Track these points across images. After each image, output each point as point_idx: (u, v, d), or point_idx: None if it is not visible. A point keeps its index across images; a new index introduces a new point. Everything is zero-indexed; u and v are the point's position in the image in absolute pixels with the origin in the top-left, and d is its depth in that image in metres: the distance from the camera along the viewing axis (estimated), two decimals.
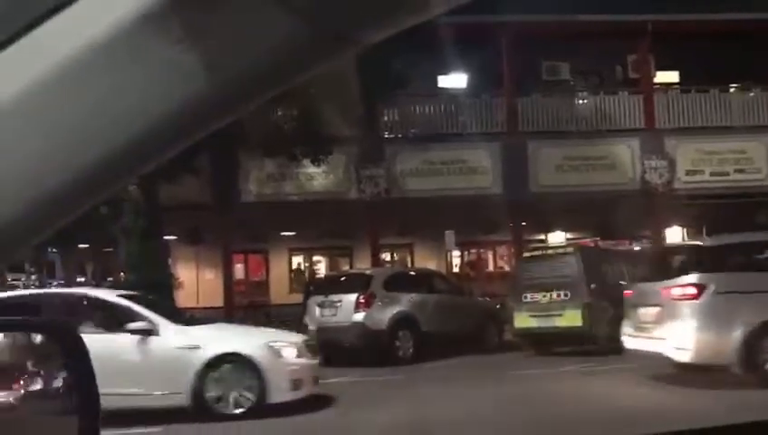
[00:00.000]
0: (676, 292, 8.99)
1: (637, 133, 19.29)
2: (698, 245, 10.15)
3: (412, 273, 17.18)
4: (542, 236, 22.58)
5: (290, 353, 8.57)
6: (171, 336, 8.29)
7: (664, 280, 9.38)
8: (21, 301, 9.08)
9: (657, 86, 20.36)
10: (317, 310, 13.77)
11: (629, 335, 10.04)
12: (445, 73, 20.14)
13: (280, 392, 8.23)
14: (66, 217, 0.75)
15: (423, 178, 18.54)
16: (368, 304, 13.28)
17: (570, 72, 20.92)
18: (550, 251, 14.93)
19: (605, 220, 20.11)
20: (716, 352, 8.64)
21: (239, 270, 21.58)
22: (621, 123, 19.49)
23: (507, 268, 21.71)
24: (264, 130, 14.83)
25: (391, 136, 19.26)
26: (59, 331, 0.87)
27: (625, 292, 10.79)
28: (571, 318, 13.13)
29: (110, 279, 18.28)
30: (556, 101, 19.60)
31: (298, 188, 18.41)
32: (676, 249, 11.51)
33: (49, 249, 24.40)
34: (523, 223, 19.83)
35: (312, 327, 13.30)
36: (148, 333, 8.24)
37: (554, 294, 13.43)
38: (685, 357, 8.78)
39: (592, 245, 19.43)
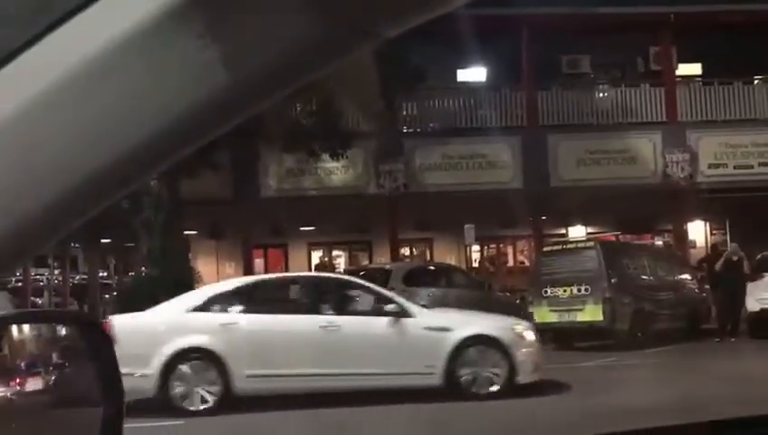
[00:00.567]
0: None
1: (658, 126, 19.10)
2: None
3: (431, 267, 17.18)
4: (563, 231, 22.43)
5: (530, 337, 8.91)
6: (423, 318, 8.62)
7: None
8: (285, 281, 10.34)
9: (680, 79, 20.12)
10: None
11: None
12: (464, 67, 20.06)
13: (525, 374, 8.48)
14: (88, 212, 0.76)
15: (442, 173, 18.50)
16: None
17: (590, 65, 20.75)
18: (570, 245, 14.86)
19: (626, 215, 19.94)
20: None
21: (259, 265, 21.67)
22: (643, 116, 19.29)
23: (527, 263, 21.60)
24: (283, 126, 14.88)
25: (410, 130, 19.24)
26: (82, 321, 0.87)
27: None
28: (592, 313, 13.05)
29: (132, 273, 18.45)
30: (577, 95, 19.44)
31: (317, 182, 18.45)
32: None
33: (72, 244, 24.67)
34: (544, 217, 19.73)
35: None
36: (403, 315, 8.49)
37: (575, 289, 13.36)
38: None
39: (613, 239, 19.31)
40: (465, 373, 8.38)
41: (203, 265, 19.41)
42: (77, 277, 28.98)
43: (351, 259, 22.65)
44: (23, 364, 0.87)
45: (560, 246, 15.01)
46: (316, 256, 23.27)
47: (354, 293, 9.15)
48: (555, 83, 19.60)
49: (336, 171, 18.25)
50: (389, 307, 8.59)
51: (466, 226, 18.34)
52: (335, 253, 23.30)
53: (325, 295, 9.00)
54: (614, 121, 19.16)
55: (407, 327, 8.48)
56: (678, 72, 20.28)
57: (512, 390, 8.32)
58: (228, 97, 0.73)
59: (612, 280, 13.15)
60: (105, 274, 27.83)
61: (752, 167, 18.92)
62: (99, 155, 0.72)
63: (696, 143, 18.97)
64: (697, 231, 21.53)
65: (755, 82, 19.91)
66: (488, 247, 23.64)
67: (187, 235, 16.62)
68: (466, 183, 18.18)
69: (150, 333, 8.36)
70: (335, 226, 20.80)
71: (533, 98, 19.04)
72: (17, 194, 0.72)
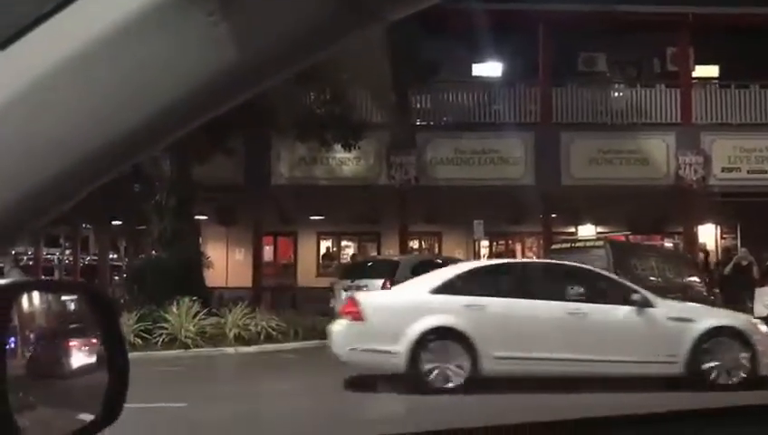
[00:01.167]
0: None
1: (673, 128, 18.97)
2: None
3: (439, 261, 17.14)
4: (572, 229, 22.36)
5: (765, 330, 9.01)
6: (666, 309, 8.78)
7: None
8: (523, 266, 10.82)
9: (696, 80, 19.98)
10: (343, 294, 13.84)
11: None
12: (479, 61, 19.98)
13: (765, 366, 8.56)
14: (94, 183, 0.79)
15: (453, 167, 18.47)
16: None
17: (606, 64, 20.63)
18: (579, 244, 14.77)
19: (637, 215, 19.85)
20: None
21: (268, 252, 21.74)
22: (657, 117, 19.17)
23: (536, 260, 21.55)
24: (296, 114, 14.89)
25: (423, 123, 19.20)
26: (89, 291, 0.91)
27: None
28: None
29: (142, 256, 18.57)
30: (591, 93, 19.34)
31: (328, 172, 18.47)
32: None
33: (83, 225, 24.85)
34: (554, 215, 19.67)
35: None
36: (646, 305, 8.67)
37: None
38: None
39: (623, 239, 19.21)
40: (708, 364, 8.49)
41: (212, 251, 19.52)
42: (87, 258, 29.22)
43: (360, 250, 22.68)
44: (32, 335, 0.90)
45: (569, 244, 14.94)
46: (324, 246, 23.33)
47: (597, 282, 9.28)
48: (570, 81, 19.50)
49: (347, 162, 18.26)
50: (634, 297, 8.73)
51: (476, 221, 18.32)
52: (344, 243, 23.34)
53: (568, 283, 9.15)
54: (628, 121, 19.05)
55: (651, 317, 8.63)
56: (695, 74, 20.13)
57: (756, 381, 8.40)
58: (237, 72, 0.74)
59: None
60: (115, 256, 28.04)
61: (766, 172, 18.76)
62: (109, 126, 0.74)
63: (709, 146, 18.84)
64: (708, 234, 21.41)
65: None
66: (497, 243, 23.61)
67: (197, 220, 16.70)
68: (477, 178, 18.14)
69: (398, 312, 8.55)
70: (345, 216, 20.83)
71: (548, 95, 18.96)
72: (28, 165, 0.75)
